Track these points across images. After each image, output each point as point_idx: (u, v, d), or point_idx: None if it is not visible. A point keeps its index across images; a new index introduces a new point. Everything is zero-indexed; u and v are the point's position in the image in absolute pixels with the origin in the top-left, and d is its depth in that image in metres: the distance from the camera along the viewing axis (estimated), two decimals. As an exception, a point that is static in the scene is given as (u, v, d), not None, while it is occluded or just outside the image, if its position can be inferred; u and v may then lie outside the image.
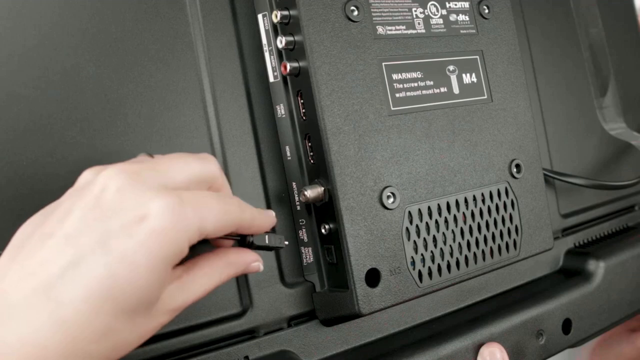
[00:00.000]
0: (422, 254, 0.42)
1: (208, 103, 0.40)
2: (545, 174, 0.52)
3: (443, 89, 0.44)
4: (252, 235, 0.34)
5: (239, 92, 0.41)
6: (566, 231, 0.58)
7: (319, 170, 0.39)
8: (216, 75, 0.40)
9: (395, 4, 0.43)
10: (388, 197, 0.40)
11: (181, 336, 0.37)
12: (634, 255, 0.57)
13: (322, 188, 0.39)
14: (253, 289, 0.40)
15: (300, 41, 0.39)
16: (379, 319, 0.44)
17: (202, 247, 0.32)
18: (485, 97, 0.47)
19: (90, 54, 0.37)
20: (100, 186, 0.28)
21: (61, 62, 0.36)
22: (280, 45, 0.40)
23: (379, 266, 0.39)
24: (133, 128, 0.37)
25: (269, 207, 0.41)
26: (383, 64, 0.42)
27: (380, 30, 0.42)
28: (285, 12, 0.39)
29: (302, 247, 0.42)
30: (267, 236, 0.35)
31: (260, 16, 0.42)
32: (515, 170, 0.47)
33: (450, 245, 0.43)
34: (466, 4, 0.47)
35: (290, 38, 0.39)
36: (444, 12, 0.46)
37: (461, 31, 0.46)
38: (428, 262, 0.42)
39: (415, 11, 0.44)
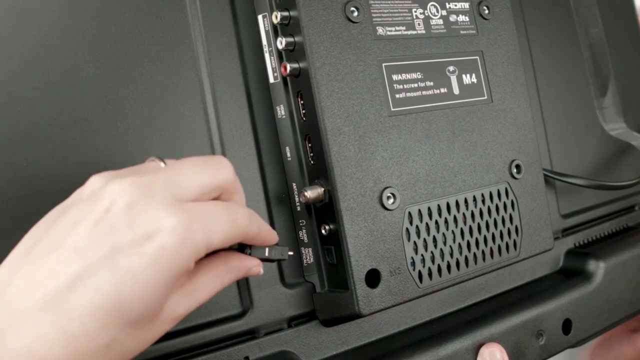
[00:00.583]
0: (422, 255, 0.42)
1: (208, 104, 0.40)
2: (545, 175, 0.52)
3: (443, 90, 0.45)
4: (250, 247, 0.34)
5: (239, 92, 0.41)
6: (566, 231, 0.58)
7: (319, 171, 0.39)
8: (216, 76, 0.40)
9: (395, 5, 0.43)
10: (388, 197, 0.40)
11: (182, 337, 0.37)
12: (634, 256, 0.57)
13: (322, 189, 0.39)
14: (253, 289, 0.40)
15: (301, 42, 0.39)
16: (379, 320, 0.44)
17: None
18: (485, 97, 0.47)
19: (91, 55, 0.37)
20: (110, 198, 0.27)
21: (61, 63, 0.36)
22: (280, 46, 0.40)
23: (379, 267, 0.39)
24: (133, 129, 0.37)
25: (269, 207, 0.41)
26: (383, 64, 0.42)
27: (380, 31, 0.42)
28: (286, 13, 0.39)
29: (302, 248, 0.42)
30: (267, 249, 0.34)
31: (260, 17, 0.42)
32: (515, 170, 0.47)
33: (450, 246, 0.43)
34: (466, 5, 0.47)
35: (291, 39, 0.39)
36: (444, 12, 0.46)
37: (461, 32, 0.46)
38: (428, 263, 0.42)
39: (415, 12, 0.44)
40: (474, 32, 0.47)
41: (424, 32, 0.44)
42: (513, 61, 0.49)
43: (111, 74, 0.37)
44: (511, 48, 0.49)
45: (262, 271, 0.34)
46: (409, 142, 0.42)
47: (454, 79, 0.45)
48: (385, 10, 0.42)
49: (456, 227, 0.43)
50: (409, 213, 0.41)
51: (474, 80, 0.46)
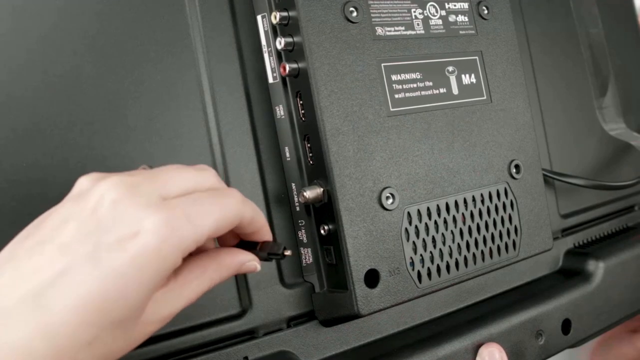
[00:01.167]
0: (421, 255, 0.42)
1: (207, 104, 0.40)
2: (544, 175, 0.52)
3: (442, 90, 0.45)
4: (257, 246, 0.33)
5: (239, 93, 0.41)
6: (566, 231, 0.58)
7: (318, 171, 0.39)
8: (215, 76, 0.40)
9: (394, 5, 0.43)
10: (387, 197, 0.40)
11: (181, 337, 0.37)
12: (633, 256, 0.57)
13: (322, 189, 0.39)
14: (252, 289, 0.40)
15: (300, 42, 0.39)
16: (378, 320, 0.44)
17: None
18: (485, 97, 0.47)
19: (90, 56, 0.37)
20: (97, 197, 0.28)
21: (61, 63, 0.36)
22: (279, 47, 0.40)
23: (378, 267, 0.39)
24: (133, 129, 0.37)
25: (268, 208, 0.41)
26: (382, 64, 0.42)
27: (379, 31, 0.42)
28: (285, 13, 0.39)
29: (302, 248, 0.42)
30: (273, 244, 0.34)
31: (259, 17, 0.42)
32: (514, 170, 0.47)
33: (450, 246, 0.43)
34: (465, 5, 0.47)
35: (290, 39, 0.39)
36: (443, 12, 0.46)
37: (460, 32, 0.46)
38: (427, 263, 0.42)
39: (415, 12, 0.44)
40: (473, 32, 0.47)
41: (423, 32, 0.44)
42: (512, 61, 0.49)
43: (111, 74, 0.37)
44: (510, 48, 0.49)
45: (258, 267, 0.34)
46: (408, 142, 0.42)
47: (453, 79, 0.45)
48: (385, 11, 0.42)
49: (455, 227, 0.43)
50: (408, 213, 0.41)
51: (473, 80, 0.46)
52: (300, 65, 0.39)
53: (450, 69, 0.45)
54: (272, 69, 0.41)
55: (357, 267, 0.39)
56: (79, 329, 0.26)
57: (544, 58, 0.59)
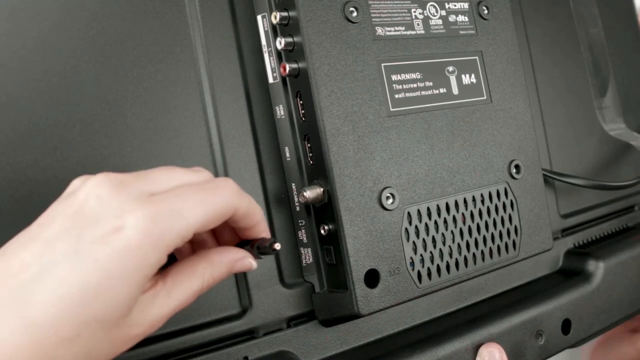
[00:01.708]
0: (421, 255, 0.42)
1: (207, 104, 0.40)
2: (544, 175, 0.52)
3: (442, 90, 0.45)
4: (252, 243, 0.33)
5: (239, 93, 0.41)
6: (566, 231, 0.58)
7: (318, 171, 0.39)
8: (215, 77, 0.40)
9: (395, 5, 0.43)
10: (387, 197, 0.40)
11: (180, 337, 0.37)
12: (633, 256, 0.57)
13: (322, 189, 0.39)
14: (252, 289, 0.40)
15: (300, 42, 0.39)
16: (378, 320, 0.44)
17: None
18: (485, 97, 0.47)
19: (90, 56, 0.37)
20: (84, 194, 0.28)
21: (61, 63, 0.36)
22: (279, 47, 0.40)
23: (378, 267, 0.39)
24: (132, 129, 0.37)
25: (268, 207, 0.41)
26: (382, 64, 0.42)
27: (379, 31, 0.42)
28: (285, 13, 0.39)
29: (302, 248, 0.42)
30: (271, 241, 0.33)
31: (259, 17, 0.42)
32: (514, 170, 0.47)
33: (450, 246, 0.43)
34: (465, 5, 0.47)
35: (290, 39, 0.39)
36: (443, 12, 0.46)
37: (460, 32, 0.46)
38: (427, 263, 0.42)
39: (415, 12, 0.44)
40: (473, 32, 0.47)
41: (423, 32, 0.44)
42: (512, 61, 0.49)
43: (110, 74, 0.37)
44: (510, 48, 0.49)
45: (254, 264, 0.33)
46: (408, 142, 0.42)
47: (453, 79, 0.45)
48: (385, 11, 0.42)
49: (455, 227, 0.43)
50: (408, 213, 0.41)
51: (473, 80, 0.46)
52: (301, 65, 0.39)
53: (450, 69, 0.45)
54: (272, 69, 0.41)
55: (357, 267, 0.39)
56: (60, 323, 0.26)
57: (544, 58, 0.59)
